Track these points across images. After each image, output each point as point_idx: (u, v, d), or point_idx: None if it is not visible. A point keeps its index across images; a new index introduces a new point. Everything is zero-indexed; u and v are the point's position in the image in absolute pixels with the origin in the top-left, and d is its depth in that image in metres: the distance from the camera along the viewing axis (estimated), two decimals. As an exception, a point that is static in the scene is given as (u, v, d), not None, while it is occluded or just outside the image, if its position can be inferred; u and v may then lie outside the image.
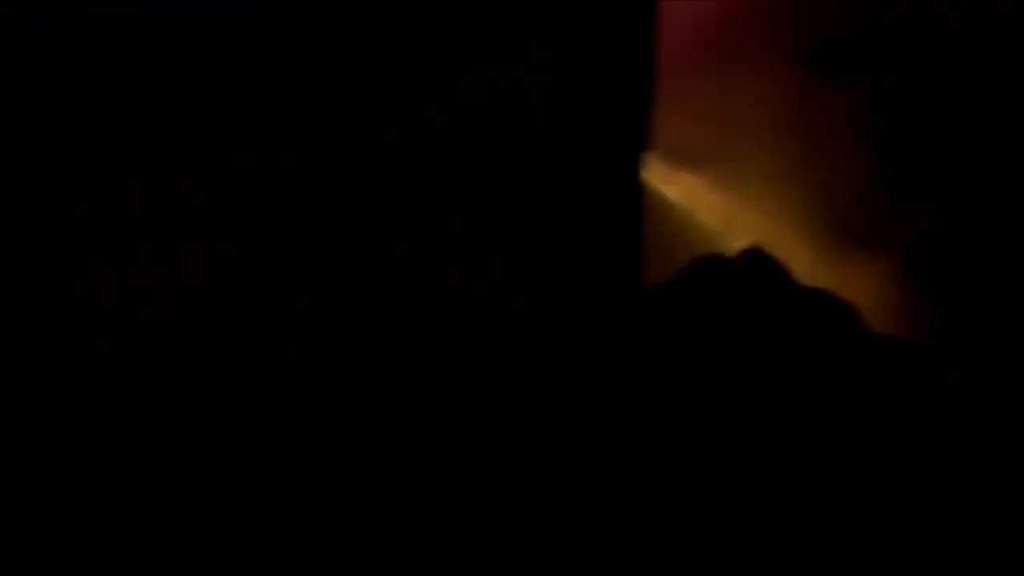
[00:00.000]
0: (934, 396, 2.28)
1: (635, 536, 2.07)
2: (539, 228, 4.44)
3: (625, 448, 2.17)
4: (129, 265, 3.97)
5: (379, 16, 4.40)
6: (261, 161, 4.38)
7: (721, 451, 2.09)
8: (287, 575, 2.33)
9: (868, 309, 5.10)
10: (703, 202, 6.18)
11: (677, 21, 5.88)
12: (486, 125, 4.38)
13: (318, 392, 3.21)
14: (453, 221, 4.12)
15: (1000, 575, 1.91)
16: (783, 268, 2.12)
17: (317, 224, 4.29)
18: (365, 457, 2.55)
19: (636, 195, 4.82)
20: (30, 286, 3.81)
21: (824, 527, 1.92)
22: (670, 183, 6.07)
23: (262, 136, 4.53)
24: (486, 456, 2.35)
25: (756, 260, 2.11)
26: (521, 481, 2.16)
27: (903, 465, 2.02)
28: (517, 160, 4.11)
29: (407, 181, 4.39)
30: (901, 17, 5.77)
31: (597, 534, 2.08)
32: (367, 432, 2.66)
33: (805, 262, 5.39)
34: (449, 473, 2.39)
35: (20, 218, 4.02)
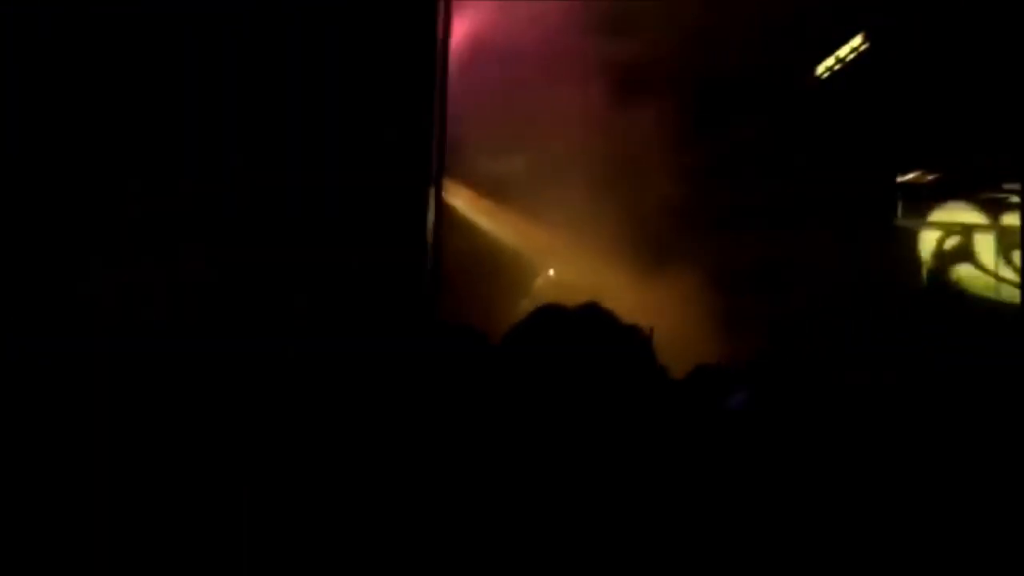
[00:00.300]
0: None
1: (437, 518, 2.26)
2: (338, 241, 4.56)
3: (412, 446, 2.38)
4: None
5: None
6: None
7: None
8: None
9: (673, 321, 5.61)
10: (513, 229, 6.63)
11: (479, 51, 6.24)
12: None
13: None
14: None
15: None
16: (613, 318, 2.37)
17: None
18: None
19: (421, 218, 5.00)
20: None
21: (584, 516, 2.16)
22: (480, 211, 6.50)
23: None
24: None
25: (590, 312, 2.37)
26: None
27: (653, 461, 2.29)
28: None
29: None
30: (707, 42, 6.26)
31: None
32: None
33: (615, 284, 5.89)
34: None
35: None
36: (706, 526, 2.33)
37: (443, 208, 6.72)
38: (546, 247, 8.37)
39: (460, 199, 8.28)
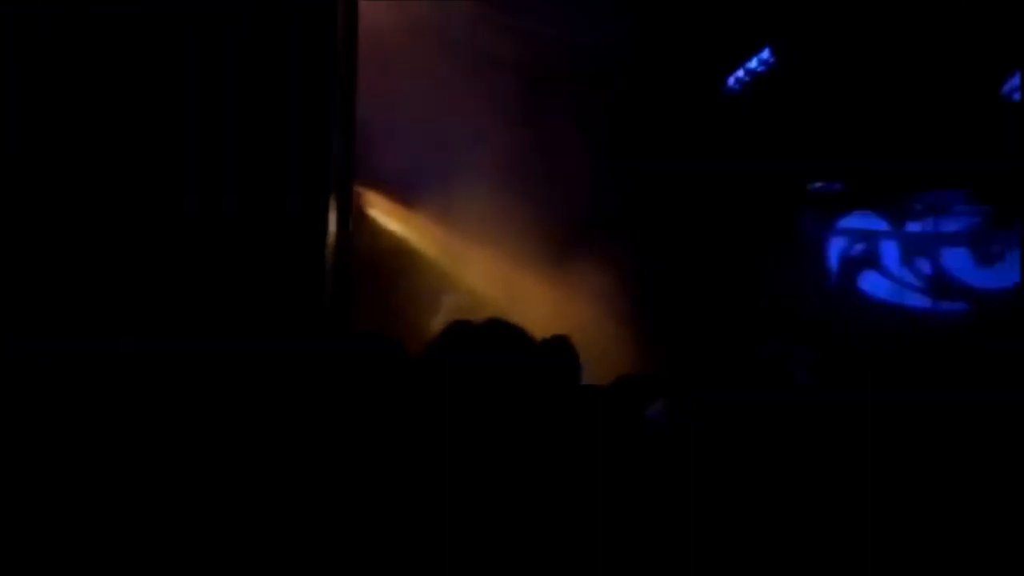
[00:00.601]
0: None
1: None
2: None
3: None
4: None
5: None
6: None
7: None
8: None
9: (589, 329, 5.81)
10: (427, 236, 6.78)
11: (388, 58, 6.28)
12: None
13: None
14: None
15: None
16: (519, 330, 2.47)
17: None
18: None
19: (323, 221, 4.98)
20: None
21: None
22: (395, 218, 6.61)
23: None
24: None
25: (496, 326, 2.49)
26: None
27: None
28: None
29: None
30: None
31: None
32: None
33: (524, 287, 6.05)
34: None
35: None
36: (625, 536, 2.37)
37: (350, 214, 6.67)
38: (464, 256, 8.37)
39: (377, 208, 8.24)
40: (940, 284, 8.99)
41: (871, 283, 9.25)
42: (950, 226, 9.01)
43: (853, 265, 9.26)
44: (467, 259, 8.22)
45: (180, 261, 3.83)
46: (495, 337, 2.54)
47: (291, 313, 4.32)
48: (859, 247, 9.24)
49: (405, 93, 7.65)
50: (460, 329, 2.56)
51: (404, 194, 8.23)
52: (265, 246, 4.20)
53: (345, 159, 5.65)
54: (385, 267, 7.93)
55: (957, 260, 8.94)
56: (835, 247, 9.33)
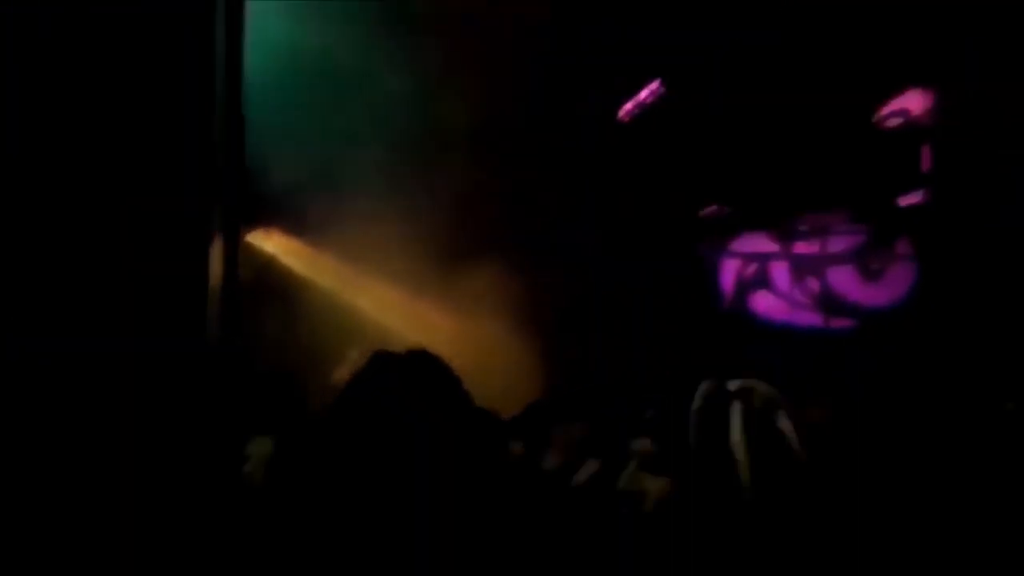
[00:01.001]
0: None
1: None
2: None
3: None
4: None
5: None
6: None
7: None
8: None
9: (482, 342, 6.15)
10: (321, 267, 7.06)
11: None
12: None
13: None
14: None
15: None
16: (439, 362, 2.62)
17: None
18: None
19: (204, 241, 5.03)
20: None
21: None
22: (292, 253, 6.89)
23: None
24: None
25: (419, 356, 2.67)
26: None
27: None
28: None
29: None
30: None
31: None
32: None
33: (420, 311, 6.35)
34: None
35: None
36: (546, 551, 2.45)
37: (239, 227, 6.62)
38: (354, 284, 8.29)
39: (272, 243, 8.18)
40: (829, 302, 9.29)
41: (763, 303, 9.53)
42: (836, 246, 9.33)
43: (746, 286, 9.54)
44: (358, 287, 8.16)
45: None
46: (415, 368, 2.58)
47: (177, 320, 4.34)
48: (751, 268, 9.53)
49: (287, 116, 7.60)
50: (382, 361, 2.58)
51: (289, 221, 8.17)
52: (152, 250, 4.22)
53: (234, 168, 5.70)
54: (274, 297, 7.84)
55: (843, 278, 9.26)
56: (728, 269, 9.61)
